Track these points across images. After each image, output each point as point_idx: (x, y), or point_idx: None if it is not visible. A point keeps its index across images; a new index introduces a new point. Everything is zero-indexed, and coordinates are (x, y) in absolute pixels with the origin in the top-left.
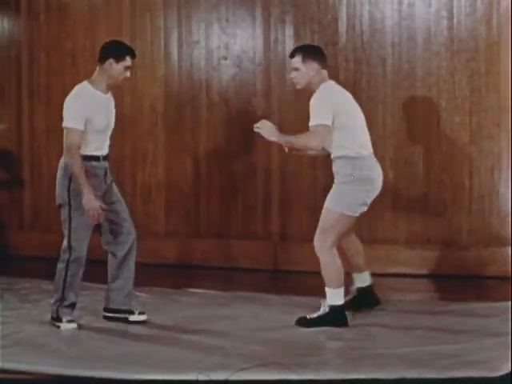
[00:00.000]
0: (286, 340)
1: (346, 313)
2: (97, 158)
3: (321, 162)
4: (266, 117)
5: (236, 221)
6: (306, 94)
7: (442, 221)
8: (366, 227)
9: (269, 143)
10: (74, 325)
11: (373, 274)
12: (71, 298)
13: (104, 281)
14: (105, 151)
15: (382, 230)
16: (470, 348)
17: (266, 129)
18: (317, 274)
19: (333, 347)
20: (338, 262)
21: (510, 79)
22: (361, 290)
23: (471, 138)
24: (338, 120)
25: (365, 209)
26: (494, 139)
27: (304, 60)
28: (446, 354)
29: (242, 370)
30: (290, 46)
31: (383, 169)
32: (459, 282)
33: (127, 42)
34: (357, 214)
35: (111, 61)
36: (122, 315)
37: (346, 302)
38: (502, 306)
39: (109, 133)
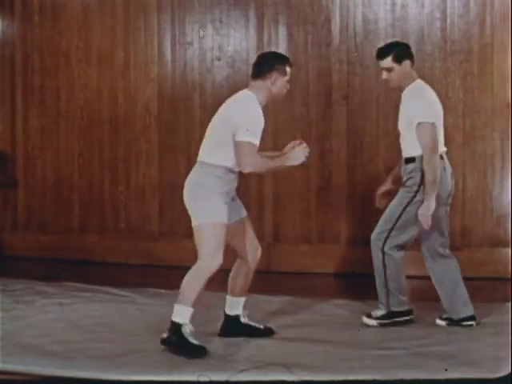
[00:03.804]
0: (282, 341)
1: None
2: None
3: (314, 163)
4: None
5: None
6: (301, 95)
7: None
8: (358, 228)
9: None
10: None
11: (369, 276)
12: None
13: (103, 283)
14: None
15: None
16: (470, 348)
17: None
18: (309, 275)
19: (332, 348)
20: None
21: (511, 79)
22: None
23: (464, 140)
24: None
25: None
26: (487, 140)
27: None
28: (445, 355)
29: (242, 371)
30: (283, 46)
31: (376, 170)
32: None
33: (120, 42)
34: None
35: None
36: None
37: None
38: (502, 307)
39: None
